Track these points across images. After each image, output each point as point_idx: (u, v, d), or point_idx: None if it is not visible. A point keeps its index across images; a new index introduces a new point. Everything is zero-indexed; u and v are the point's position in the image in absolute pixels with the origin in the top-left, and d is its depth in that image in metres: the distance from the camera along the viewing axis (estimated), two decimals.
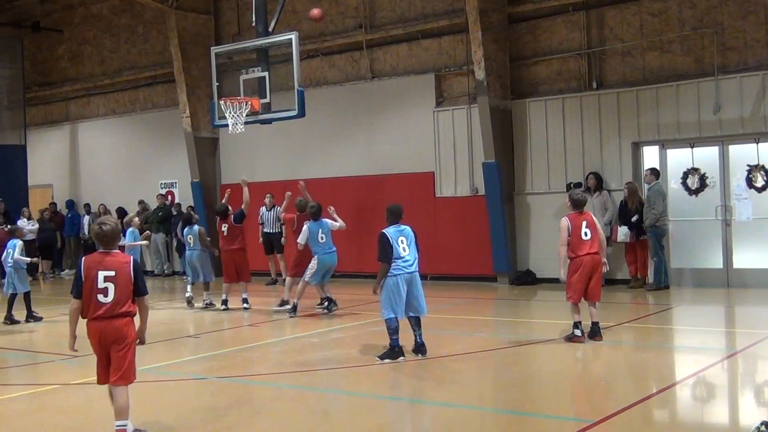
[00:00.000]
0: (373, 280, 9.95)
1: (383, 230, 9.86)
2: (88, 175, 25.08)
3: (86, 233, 23.74)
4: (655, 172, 15.60)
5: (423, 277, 10.36)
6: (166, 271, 22.13)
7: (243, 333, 12.97)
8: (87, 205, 24.33)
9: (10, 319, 14.12)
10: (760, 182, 15.05)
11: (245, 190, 15.03)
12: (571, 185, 16.29)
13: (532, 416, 7.53)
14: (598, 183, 16.18)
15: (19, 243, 14.22)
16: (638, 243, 15.72)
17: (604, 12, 16.60)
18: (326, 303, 14.02)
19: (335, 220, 13.77)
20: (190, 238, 15.55)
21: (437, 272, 17.82)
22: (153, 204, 22.43)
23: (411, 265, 9.81)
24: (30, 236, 21.97)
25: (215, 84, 15.50)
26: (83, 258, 6.78)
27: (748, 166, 15.16)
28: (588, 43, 16.74)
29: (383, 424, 7.66)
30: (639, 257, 15.88)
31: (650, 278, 15.77)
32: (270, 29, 15.27)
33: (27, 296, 14.32)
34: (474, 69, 16.96)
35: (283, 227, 17.47)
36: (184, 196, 22.18)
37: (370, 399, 8.49)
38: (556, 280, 16.76)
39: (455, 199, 18.06)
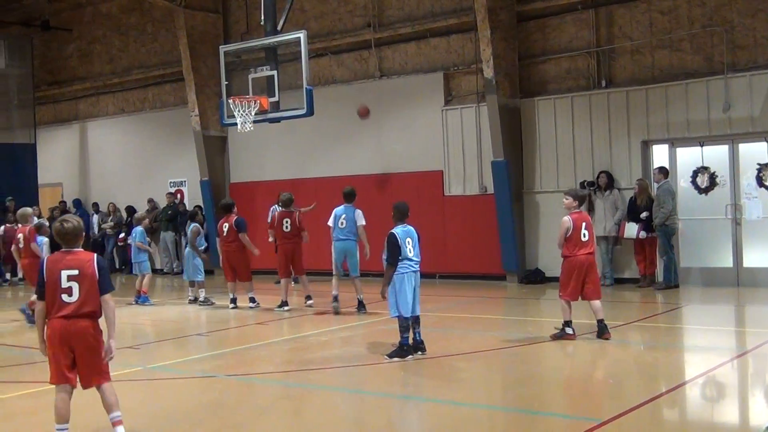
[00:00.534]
0: (382, 278, 9.95)
1: (392, 230, 9.88)
2: (98, 173, 25.15)
3: (95, 232, 23.81)
4: (664, 171, 15.54)
5: (432, 276, 10.36)
6: (175, 270, 22.14)
7: (251, 331, 12.97)
8: (95, 204, 24.41)
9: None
10: None
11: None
12: (584, 183, 16.27)
13: (541, 415, 7.51)
14: (609, 182, 16.14)
15: (46, 239, 14.24)
16: (647, 240, 15.66)
17: (613, 10, 16.55)
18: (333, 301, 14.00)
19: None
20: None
21: (446, 271, 17.80)
22: (162, 202, 22.47)
23: (417, 264, 9.86)
24: None
25: (224, 83, 15.51)
26: (44, 258, 6.66)
27: (758, 164, 15.08)
28: (597, 42, 16.69)
29: (391, 422, 7.66)
30: (647, 255, 15.83)
31: (659, 277, 15.73)
32: (278, 28, 15.27)
33: None
34: (483, 67, 16.93)
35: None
36: (193, 195, 22.22)
37: (378, 397, 8.48)
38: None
39: (464, 197, 18.03)
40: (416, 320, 9.95)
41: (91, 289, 6.48)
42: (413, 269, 9.80)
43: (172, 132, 22.84)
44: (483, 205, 17.65)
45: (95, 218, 23.94)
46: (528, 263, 17.38)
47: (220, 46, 16.44)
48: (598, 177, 16.28)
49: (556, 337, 10.68)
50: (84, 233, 6.76)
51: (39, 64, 25.55)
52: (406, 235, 9.86)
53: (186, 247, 16.18)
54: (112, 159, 24.71)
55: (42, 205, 23.60)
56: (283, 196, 14.94)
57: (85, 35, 25.07)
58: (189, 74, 21.03)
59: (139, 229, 16.15)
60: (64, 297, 6.44)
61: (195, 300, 15.62)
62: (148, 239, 16.71)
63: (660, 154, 16.20)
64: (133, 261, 16.44)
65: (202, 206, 21.43)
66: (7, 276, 21.20)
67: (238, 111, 14.78)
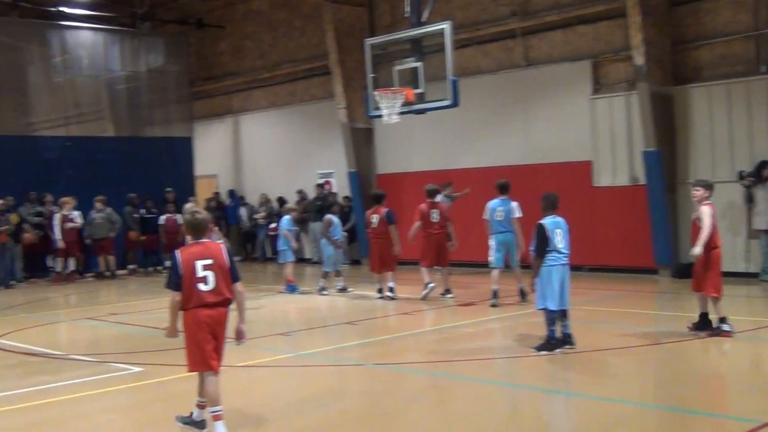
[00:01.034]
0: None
1: (540, 221, 9.77)
2: (250, 165, 25.99)
3: (246, 222, 24.57)
4: None
5: (580, 268, 10.18)
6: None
7: (397, 321, 13.12)
8: (242, 198, 25.14)
9: None
10: None
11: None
12: (742, 174, 15.56)
13: (696, 414, 7.27)
14: None
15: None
16: None
17: None
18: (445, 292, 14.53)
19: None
20: None
21: (594, 263, 17.44)
22: (311, 193, 22.99)
23: (566, 257, 9.71)
24: None
25: (370, 75, 15.71)
26: (177, 251, 6.79)
27: None
28: (756, 25, 15.89)
29: (539, 416, 7.58)
30: None
31: None
32: (423, 19, 15.33)
33: None
34: (633, 54, 16.43)
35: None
36: (341, 186, 22.63)
37: (526, 391, 8.42)
38: (722, 274, 16.12)
39: (613, 188, 17.59)
40: (564, 314, 9.79)
41: (224, 277, 6.72)
42: (562, 262, 9.64)
43: (320, 124, 23.33)
44: (633, 196, 17.17)
45: (243, 211, 24.70)
46: (682, 257, 16.77)
47: (366, 39, 16.65)
48: (759, 166, 15.48)
49: (712, 334, 10.25)
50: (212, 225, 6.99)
51: (195, 61, 26.62)
52: (555, 226, 9.72)
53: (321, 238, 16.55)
54: (263, 151, 25.49)
55: (198, 196, 24.60)
56: (428, 187, 15.06)
57: (237, 32, 25.93)
58: (336, 67, 21.42)
59: (287, 218, 16.61)
60: (201, 286, 6.65)
61: (323, 289, 15.93)
62: (295, 229, 17.16)
63: None
64: (278, 249, 16.96)
65: (350, 196, 21.84)
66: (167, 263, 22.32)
67: (384, 103, 14.95)
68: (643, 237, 16.95)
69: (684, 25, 16.76)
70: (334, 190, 22.80)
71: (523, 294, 13.68)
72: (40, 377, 9.37)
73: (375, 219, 14.94)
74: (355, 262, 21.79)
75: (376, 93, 15.18)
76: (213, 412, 6.72)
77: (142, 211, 21.77)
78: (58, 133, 23.10)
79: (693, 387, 8.35)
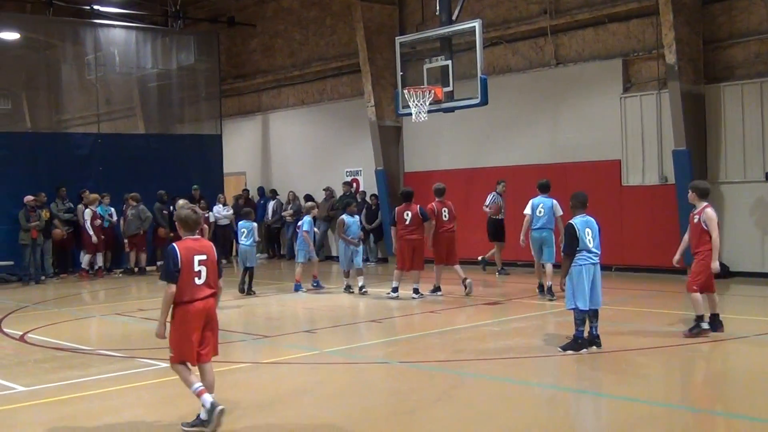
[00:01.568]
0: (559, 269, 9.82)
1: (570, 221, 9.74)
2: (279, 163, 26.08)
3: (269, 218, 24.53)
4: None
5: (608, 268, 10.11)
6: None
7: (422, 319, 13.08)
8: (273, 191, 25.08)
9: (247, 290, 15.86)
10: None
11: None
12: None
13: (726, 416, 7.19)
14: None
15: (254, 225, 15.95)
16: None
17: None
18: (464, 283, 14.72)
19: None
20: None
21: (622, 263, 17.32)
22: (339, 191, 23.03)
23: (596, 257, 9.65)
24: (224, 221, 23.19)
25: (399, 73, 15.71)
26: (174, 244, 6.96)
27: None
28: None
29: (566, 416, 7.54)
30: None
31: None
32: (454, 18, 15.30)
33: (251, 271, 15.92)
34: (664, 53, 16.30)
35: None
36: (368, 184, 22.65)
37: (550, 390, 8.38)
38: (751, 274, 15.99)
39: (643, 187, 17.45)
40: (594, 314, 9.72)
41: (214, 272, 7.01)
42: (592, 261, 9.59)
43: (348, 122, 23.36)
44: (663, 195, 17.02)
45: (271, 205, 24.70)
46: None
47: (396, 37, 16.65)
48: None
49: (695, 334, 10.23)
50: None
51: (225, 59, 26.74)
52: (585, 225, 9.67)
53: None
54: (291, 149, 25.56)
55: (227, 192, 24.72)
56: (437, 186, 15.27)
57: (267, 30, 26.03)
58: (365, 66, 21.43)
59: (307, 219, 16.43)
60: (196, 280, 6.89)
61: (349, 288, 15.89)
62: (315, 229, 17.12)
63: None
64: (297, 248, 16.78)
65: (377, 194, 21.84)
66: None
67: (413, 101, 14.95)
68: (672, 237, 16.71)
69: (716, 23, 16.58)
70: (362, 188, 22.82)
71: (549, 291, 13.80)
72: (69, 372, 9.46)
73: (408, 216, 14.93)
74: (382, 260, 21.80)
75: (405, 91, 15.19)
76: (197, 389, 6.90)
77: (172, 207, 21.91)
78: (89, 130, 23.32)
79: (720, 387, 8.27)
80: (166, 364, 9.39)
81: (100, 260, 20.71)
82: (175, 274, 6.81)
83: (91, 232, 20.06)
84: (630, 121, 17.59)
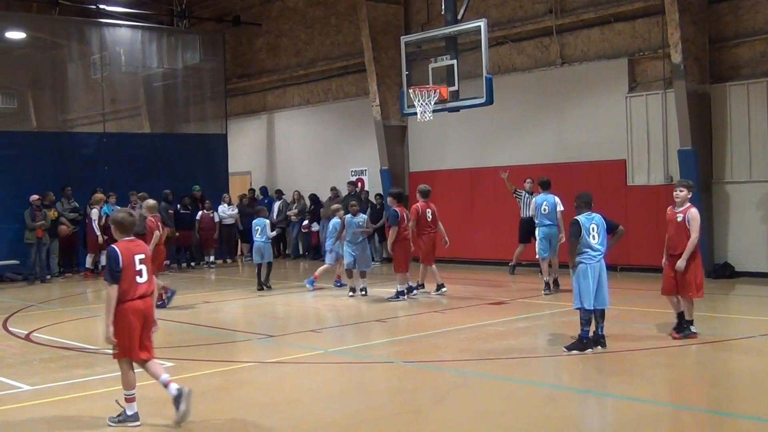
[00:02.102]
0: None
1: (575, 217, 9.74)
2: (284, 162, 26.09)
3: (275, 217, 24.46)
4: None
5: (613, 268, 10.10)
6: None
7: (427, 319, 13.06)
8: (278, 191, 24.99)
9: (265, 285, 16.47)
10: None
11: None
12: None
13: (730, 416, 7.17)
14: None
15: (267, 221, 16.59)
16: None
17: None
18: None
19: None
20: None
21: (628, 263, 17.27)
22: (344, 191, 23.02)
23: (600, 254, 9.65)
24: (229, 221, 23.21)
25: (404, 73, 15.68)
26: (114, 246, 7.13)
27: None
28: None
29: (572, 416, 7.54)
30: None
31: None
32: (459, 17, 15.28)
33: (269, 266, 16.62)
34: (670, 52, 16.26)
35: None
36: (373, 183, 22.65)
37: (555, 390, 8.37)
38: (757, 274, 15.94)
39: (648, 187, 17.42)
40: (601, 314, 9.72)
41: (150, 270, 7.28)
42: (596, 259, 9.59)
43: (353, 122, 23.36)
44: (668, 195, 16.84)
45: (276, 204, 24.67)
46: (716, 257, 16.58)
47: (401, 37, 16.63)
48: None
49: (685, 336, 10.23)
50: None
51: (230, 58, 26.76)
52: (590, 221, 9.69)
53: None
54: (296, 148, 25.57)
55: (232, 192, 24.73)
56: (422, 187, 15.30)
57: (273, 29, 26.04)
58: (370, 65, 21.43)
59: (336, 220, 16.06)
60: (138, 279, 7.13)
61: (352, 290, 15.80)
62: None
63: None
64: (327, 249, 16.69)
65: (382, 194, 21.81)
66: (211, 258, 22.56)
67: (418, 100, 14.94)
68: None
69: (722, 22, 16.55)
70: (367, 187, 22.81)
71: (555, 284, 14.39)
72: (74, 371, 9.49)
73: (429, 213, 14.99)
74: (387, 260, 21.77)
75: (410, 90, 15.17)
76: (128, 394, 7.16)
77: (178, 206, 21.96)
78: (95, 130, 23.36)
79: (726, 388, 8.25)
80: (170, 364, 9.43)
81: (104, 260, 20.70)
82: (117, 275, 7.00)
83: (98, 233, 20.08)
84: (635, 120, 17.56)
